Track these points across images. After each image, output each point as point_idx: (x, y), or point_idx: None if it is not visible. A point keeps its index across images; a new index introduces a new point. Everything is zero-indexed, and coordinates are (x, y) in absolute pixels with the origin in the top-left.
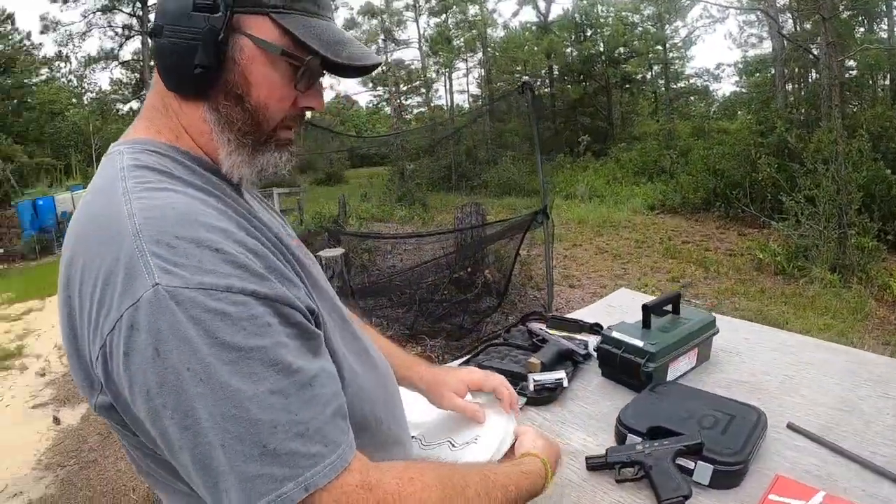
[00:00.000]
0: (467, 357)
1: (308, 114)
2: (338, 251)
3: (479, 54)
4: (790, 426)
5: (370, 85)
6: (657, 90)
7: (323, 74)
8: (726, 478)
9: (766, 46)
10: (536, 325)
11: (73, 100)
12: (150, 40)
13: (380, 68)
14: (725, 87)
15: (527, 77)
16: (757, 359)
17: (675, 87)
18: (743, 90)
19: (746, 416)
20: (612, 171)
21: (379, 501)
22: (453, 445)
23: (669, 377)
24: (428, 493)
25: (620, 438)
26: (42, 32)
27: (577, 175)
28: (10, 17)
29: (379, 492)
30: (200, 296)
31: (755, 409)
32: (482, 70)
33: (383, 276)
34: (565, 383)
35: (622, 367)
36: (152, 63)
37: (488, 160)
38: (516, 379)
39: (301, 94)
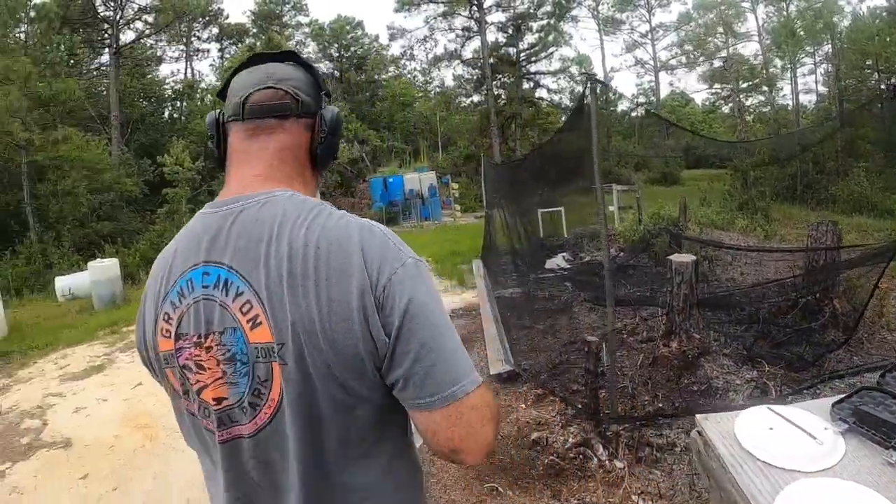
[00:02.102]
0: (841, 397)
1: None
2: (688, 257)
3: (827, 47)
4: None
5: (708, 83)
6: None
7: None
8: None
9: None
10: None
11: (419, 94)
12: (315, 122)
13: (719, 63)
14: None
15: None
16: None
17: None
18: None
19: None
20: None
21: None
22: None
23: None
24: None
25: None
26: (390, 40)
27: None
28: (360, 23)
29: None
30: (403, 254)
31: None
32: (829, 66)
33: (721, 287)
34: None
35: None
36: (491, 61)
37: (837, 170)
38: (891, 431)
39: None
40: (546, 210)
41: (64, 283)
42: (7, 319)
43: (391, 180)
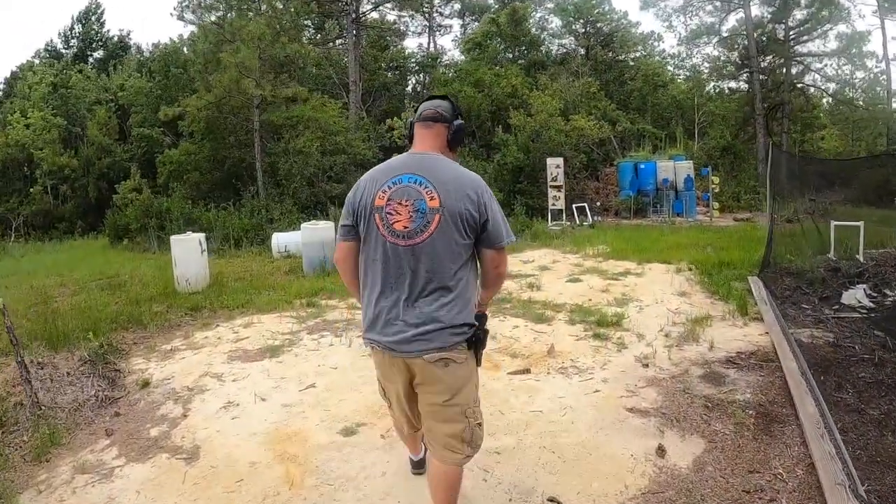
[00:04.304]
0: None
1: None
2: None
3: None
4: None
5: None
6: None
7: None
8: None
9: None
10: None
11: (671, 74)
12: (450, 126)
13: None
14: None
15: None
16: None
17: None
18: None
19: None
20: None
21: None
22: None
23: None
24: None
25: None
26: (641, 9)
27: None
28: None
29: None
30: (484, 187)
31: None
32: None
33: None
34: None
35: None
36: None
37: None
38: None
39: None
40: (841, 224)
41: (280, 241)
42: (210, 270)
43: (643, 166)
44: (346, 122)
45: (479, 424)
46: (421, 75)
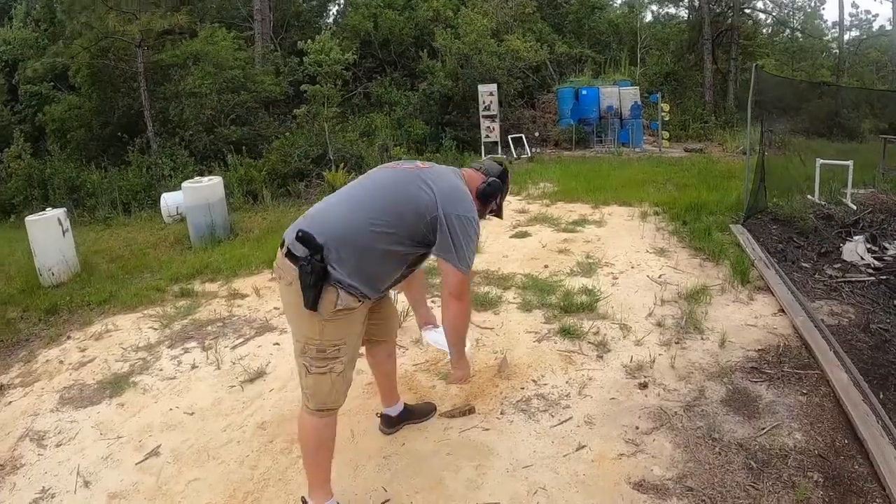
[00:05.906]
0: None
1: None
2: None
3: None
4: None
5: None
6: None
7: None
8: None
9: None
10: None
11: None
12: (486, 178)
13: None
14: None
15: None
16: None
17: None
18: None
19: None
20: None
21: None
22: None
23: None
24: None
25: None
26: None
27: None
28: None
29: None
30: (470, 213)
31: None
32: None
33: None
34: None
35: None
36: None
37: None
38: None
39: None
40: (829, 163)
41: (170, 202)
42: (82, 251)
43: (585, 92)
44: (246, 54)
45: (310, 374)
46: (340, 3)
